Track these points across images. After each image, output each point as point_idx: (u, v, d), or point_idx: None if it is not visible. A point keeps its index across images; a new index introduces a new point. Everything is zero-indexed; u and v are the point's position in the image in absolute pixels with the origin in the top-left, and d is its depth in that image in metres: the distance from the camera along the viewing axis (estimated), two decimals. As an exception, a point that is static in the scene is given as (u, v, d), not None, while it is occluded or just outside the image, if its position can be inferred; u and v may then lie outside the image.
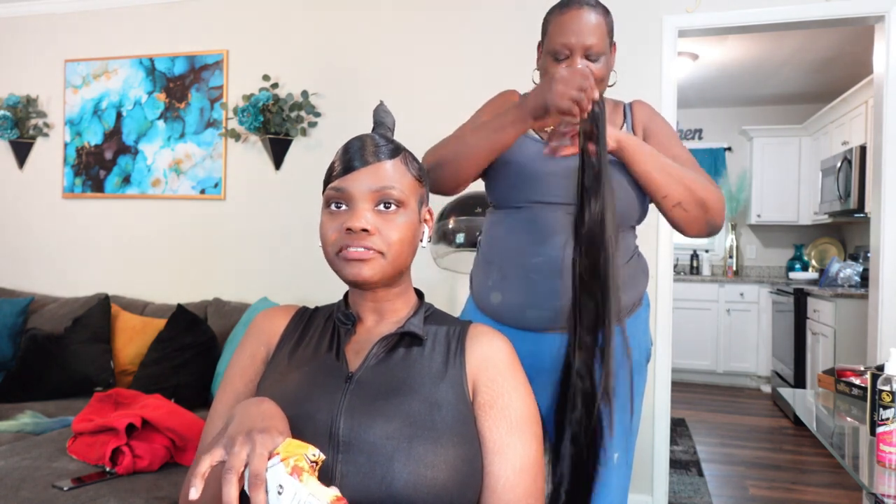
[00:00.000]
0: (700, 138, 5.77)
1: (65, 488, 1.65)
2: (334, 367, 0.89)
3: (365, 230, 0.86)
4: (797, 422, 3.96)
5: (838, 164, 4.16)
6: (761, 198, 5.29)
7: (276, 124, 2.90)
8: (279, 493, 0.65)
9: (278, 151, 2.99)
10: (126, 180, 3.23)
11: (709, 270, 5.60)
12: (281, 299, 2.86)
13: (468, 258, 2.32)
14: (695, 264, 5.61)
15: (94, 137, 3.29)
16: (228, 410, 0.93)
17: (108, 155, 3.27)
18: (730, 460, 3.34)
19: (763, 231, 5.62)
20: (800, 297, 4.13)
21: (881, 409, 1.29)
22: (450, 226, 2.22)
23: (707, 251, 5.71)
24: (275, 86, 2.97)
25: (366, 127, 2.65)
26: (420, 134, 2.72)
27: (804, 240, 5.49)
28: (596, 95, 1.07)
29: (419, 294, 1.01)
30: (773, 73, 4.63)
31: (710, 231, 1.29)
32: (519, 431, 0.86)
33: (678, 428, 3.81)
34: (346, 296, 1.00)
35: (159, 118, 3.18)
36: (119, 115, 3.25)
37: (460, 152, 1.27)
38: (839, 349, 3.53)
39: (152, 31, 3.22)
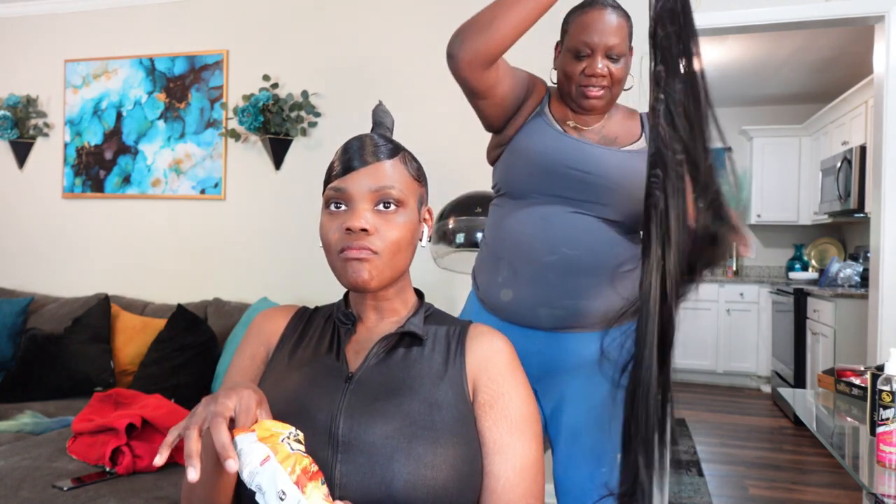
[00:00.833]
0: (700, 138, 5.77)
1: (65, 488, 1.65)
2: (334, 367, 0.89)
3: (364, 230, 0.86)
4: (797, 422, 3.96)
5: (838, 164, 4.16)
6: (761, 198, 5.29)
7: (276, 124, 2.91)
8: (281, 500, 0.63)
9: (278, 151, 2.99)
10: (126, 180, 3.24)
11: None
12: (281, 299, 2.86)
13: (468, 258, 2.31)
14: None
15: (94, 137, 3.29)
16: None
17: (108, 155, 3.27)
18: (730, 460, 3.34)
19: (763, 231, 5.62)
20: (800, 297, 4.13)
21: (881, 409, 1.29)
22: (450, 226, 2.22)
23: (707, 251, 5.71)
24: (275, 86, 2.97)
25: (366, 127, 2.65)
26: (420, 134, 2.73)
27: (804, 240, 5.49)
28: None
29: (419, 294, 1.01)
30: (773, 73, 4.63)
31: None
32: (519, 432, 0.86)
33: (678, 428, 3.81)
34: (345, 296, 1.00)
35: (159, 118, 3.18)
36: (119, 115, 3.25)
37: (499, 11, 1.16)
38: (839, 349, 3.53)
39: (152, 31, 3.22)
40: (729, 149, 5.70)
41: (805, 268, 5.33)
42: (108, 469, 1.77)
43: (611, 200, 1.28)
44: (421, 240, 0.96)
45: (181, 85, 3.15)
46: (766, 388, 4.97)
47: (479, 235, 2.13)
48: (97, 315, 2.84)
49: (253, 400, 0.70)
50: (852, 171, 3.91)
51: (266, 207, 3.05)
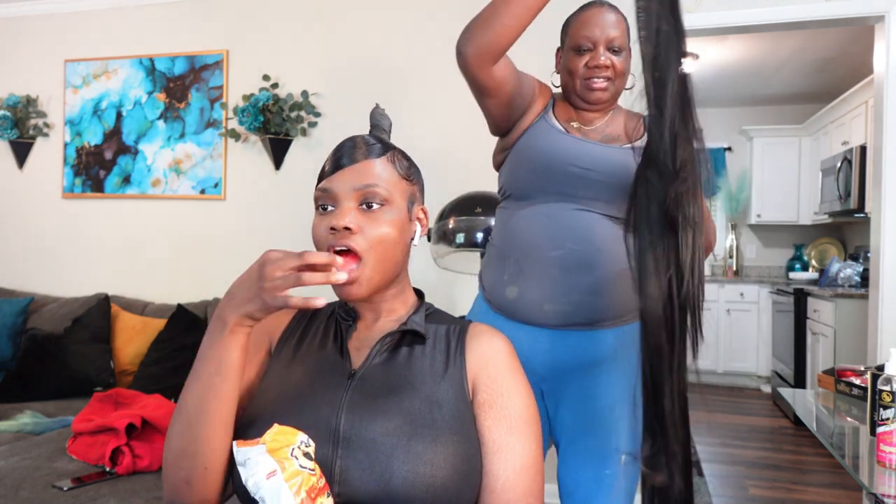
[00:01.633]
0: (700, 138, 5.76)
1: (65, 488, 1.65)
2: (337, 364, 0.90)
3: (347, 228, 0.86)
4: (797, 422, 3.96)
5: (838, 164, 4.16)
6: (761, 198, 5.29)
7: (276, 124, 2.91)
8: None
9: (278, 151, 2.99)
10: (126, 180, 3.23)
11: (709, 270, 5.60)
12: (281, 299, 2.86)
13: (468, 258, 2.31)
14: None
15: (94, 137, 3.29)
16: None
17: (108, 155, 3.27)
18: (730, 460, 3.34)
19: (763, 231, 5.62)
20: (800, 297, 4.13)
21: (881, 409, 1.29)
22: (450, 226, 2.22)
23: (707, 251, 5.71)
24: (275, 86, 2.97)
25: (366, 127, 2.65)
26: (421, 134, 2.73)
27: (804, 240, 5.49)
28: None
29: (419, 294, 1.01)
30: (773, 73, 4.63)
31: None
32: (519, 431, 0.86)
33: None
34: (346, 296, 1.00)
35: (159, 118, 3.18)
36: (119, 115, 3.25)
37: (501, 5, 1.21)
38: (839, 349, 3.53)
39: (152, 31, 3.22)
40: (729, 148, 5.70)
41: (805, 268, 5.33)
42: (108, 469, 1.77)
43: (613, 197, 1.29)
44: (413, 239, 0.96)
45: (181, 85, 3.15)
46: (766, 388, 4.97)
47: (479, 235, 2.13)
48: (97, 315, 2.84)
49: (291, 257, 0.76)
50: (852, 171, 3.91)
51: (266, 207, 3.05)
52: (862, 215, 3.94)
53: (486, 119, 1.40)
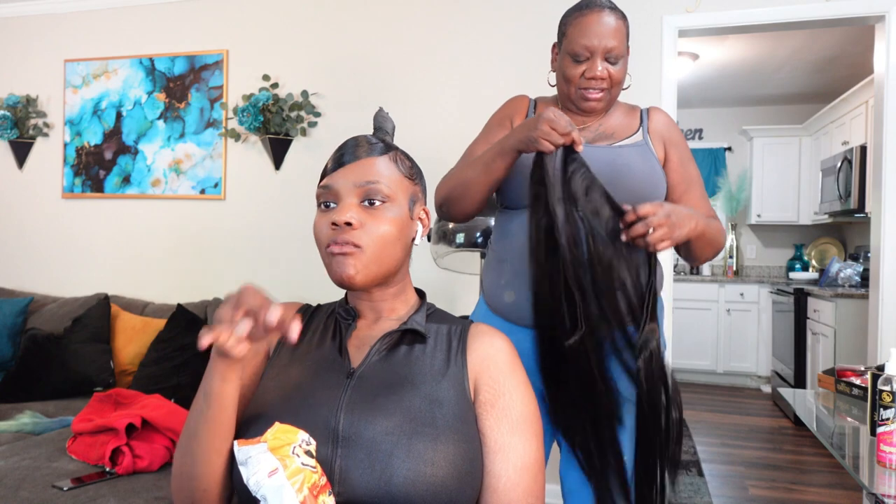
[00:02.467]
0: (700, 138, 5.77)
1: (65, 488, 1.65)
2: (336, 363, 0.90)
3: (349, 224, 0.86)
4: (797, 422, 3.96)
5: (838, 164, 4.16)
6: (761, 198, 5.29)
7: (276, 124, 2.90)
8: None
9: (278, 151, 2.99)
10: (126, 180, 3.23)
11: (709, 270, 5.60)
12: (281, 299, 2.84)
13: (468, 258, 2.31)
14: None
15: (93, 137, 3.29)
16: None
17: (108, 155, 3.27)
18: (730, 460, 3.34)
19: (763, 231, 5.62)
20: (800, 297, 4.13)
21: (881, 409, 1.29)
22: (450, 226, 2.22)
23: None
24: (275, 86, 2.97)
25: (366, 127, 2.65)
26: (420, 133, 2.73)
27: (804, 240, 5.49)
28: (577, 139, 1.14)
29: (421, 294, 1.01)
30: (773, 73, 4.63)
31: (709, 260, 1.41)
32: (520, 431, 0.86)
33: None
34: (347, 293, 1.00)
35: (159, 118, 3.18)
36: (119, 115, 3.25)
37: (461, 188, 1.33)
38: (839, 349, 3.53)
39: (152, 31, 3.22)
40: (729, 148, 5.70)
41: (805, 268, 5.33)
42: (108, 469, 1.77)
43: None
44: (415, 239, 0.96)
45: (181, 85, 3.15)
46: (766, 388, 4.97)
47: (479, 235, 2.13)
48: (97, 315, 2.84)
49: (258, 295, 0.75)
50: (852, 171, 3.91)
51: (266, 207, 3.05)
52: (862, 215, 3.94)
53: None
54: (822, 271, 4.61)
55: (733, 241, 5.60)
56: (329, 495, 0.66)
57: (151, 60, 3.20)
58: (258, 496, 0.65)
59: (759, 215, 5.31)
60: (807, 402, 1.98)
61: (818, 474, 3.17)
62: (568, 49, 1.33)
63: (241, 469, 0.67)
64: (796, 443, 3.67)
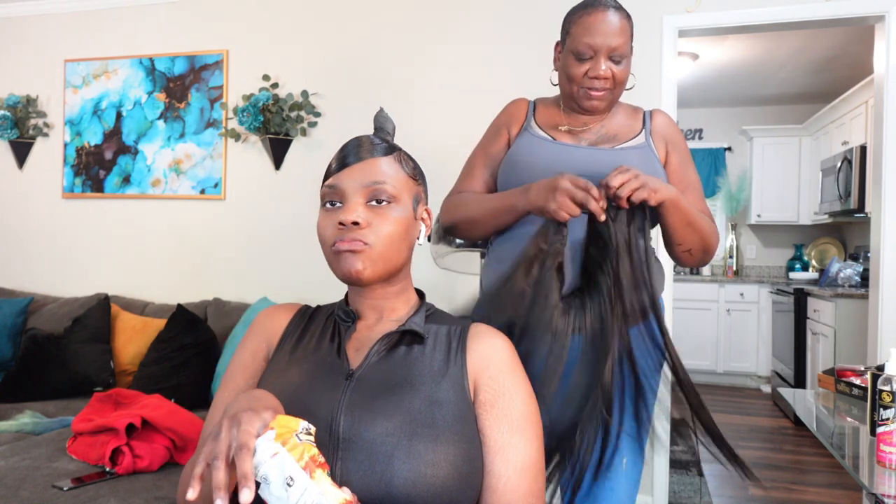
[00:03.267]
0: (700, 138, 5.77)
1: (65, 488, 1.65)
2: (335, 365, 0.89)
3: (356, 223, 0.87)
4: (797, 422, 3.96)
5: (838, 164, 4.16)
6: (761, 198, 5.29)
7: (276, 124, 2.90)
8: (289, 486, 0.64)
9: (278, 151, 2.99)
10: (126, 180, 3.23)
11: (709, 270, 5.60)
12: (281, 299, 2.86)
13: (468, 258, 2.31)
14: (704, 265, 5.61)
15: (94, 137, 3.29)
16: None
17: (108, 155, 3.27)
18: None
19: (763, 231, 5.62)
20: (800, 297, 4.13)
21: (881, 409, 1.29)
22: (450, 226, 2.22)
23: (708, 251, 5.71)
24: (275, 86, 2.97)
25: (366, 127, 2.65)
26: (420, 133, 2.73)
27: (804, 240, 5.49)
28: (595, 209, 1.14)
29: (420, 294, 1.01)
30: (773, 73, 4.63)
31: (702, 266, 1.42)
32: (520, 431, 0.86)
33: (678, 428, 3.81)
34: (346, 294, 1.00)
35: (159, 118, 3.18)
36: (119, 115, 3.25)
37: (468, 224, 1.38)
38: (839, 349, 3.53)
39: (152, 31, 3.22)
40: (729, 148, 5.70)
41: (805, 268, 5.33)
42: (108, 469, 1.77)
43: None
44: (418, 239, 0.96)
45: (181, 85, 3.15)
46: (766, 388, 4.97)
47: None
48: (97, 315, 2.84)
49: (271, 416, 0.71)
50: (852, 171, 3.91)
51: (266, 207, 3.05)
52: (862, 215, 3.94)
53: None
54: (822, 271, 4.61)
55: (733, 241, 5.60)
56: (329, 475, 0.67)
57: (151, 60, 3.20)
58: (258, 479, 0.65)
59: (759, 215, 5.31)
60: (807, 402, 1.98)
61: (818, 474, 3.17)
62: (572, 47, 1.32)
63: None
64: (796, 443, 3.67)
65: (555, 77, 1.42)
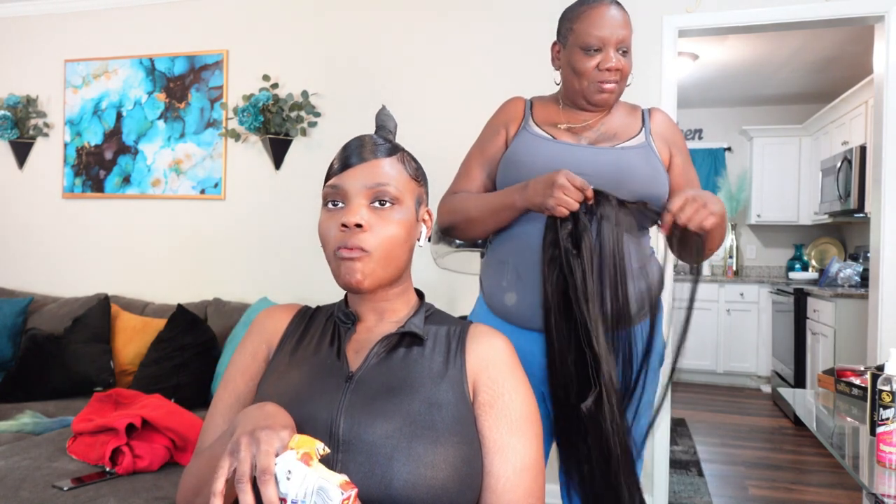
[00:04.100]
0: (700, 138, 5.77)
1: (65, 488, 1.65)
2: (335, 367, 0.89)
3: (359, 225, 0.86)
4: (797, 422, 3.96)
5: (838, 164, 4.16)
6: (761, 198, 5.29)
7: (276, 124, 2.90)
8: (287, 479, 0.66)
9: (278, 151, 2.99)
10: (126, 180, 3.23)
11: (709, 270, 5.60)
12: (281, 299, 2.86)
13: (468, 258, 2.31)
14: (695, 264, 5.60)
15: (94, 137, 3.29)
16: (228, 408, 0.93)
17: (108, 155, 3.27)
18: (730, 460, 3.34)
19: (763, 231, 5.62)
20: (800, 297, 4.13)
21: (881, 409, 1.29)
22: (450, 226, 2.22)
23: (707, 251, 5.71)
24: (275, 86, 2.97)
25: (366, 127, 2.65)
26: (421, 133, 2.73)
27: (804, 240, 5.49)
28: (591, 195, 1.19)
29: (420, 294, 1.01)
30: (774, 73, 4.63)
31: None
32: (519, 431, 0.86)
33: (678, 428, 3.81)
34: (346, 295, 1.00)
35: (159, 118, 3.18)
36: (119, 115, 3.25)
37: (465, 223, 1.39)
38: (839, 349, 3.53)
39: (152, 31, 3.22)
40: (729, 148, 5.70)
41: (805, 268, 5.33)
42: (108, 469, 1.77)
43: None
44: (419, 240, 0.96)
45: (181, 85, 3.15)
46: (766, 388, 4.97)
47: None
48: (97, 315, 2.84)
49: (288, 436, 0.71)
50: (852, 171, 3.91)
51: (266, 207, 3.05)
52: (862, 215, 3.94)
53: None
54: (822, 271, 4.61)
55: (733, 241, 5.60)
56: (336, 474, 0.68)
57: (151, 60, 3.20)
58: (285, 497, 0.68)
59: (759, 215, 5.31)
60: (807, 402, 1.98)
61: (818, 474, 3.17)
62: (579, 42, 1.31)
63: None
64: (796, 443, 3.67)
65: (558, 77, 1.42)
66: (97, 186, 3.28)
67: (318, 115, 2.96)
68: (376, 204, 0.89)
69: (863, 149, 3.82)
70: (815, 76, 4.70)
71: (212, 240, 3.12)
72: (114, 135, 3.26)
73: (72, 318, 2.87)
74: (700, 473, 3.10)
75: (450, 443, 0.81)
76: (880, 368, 1.43)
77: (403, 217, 0.90)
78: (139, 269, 3.22)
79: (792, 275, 5.02)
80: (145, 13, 3.23)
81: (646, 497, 2.56)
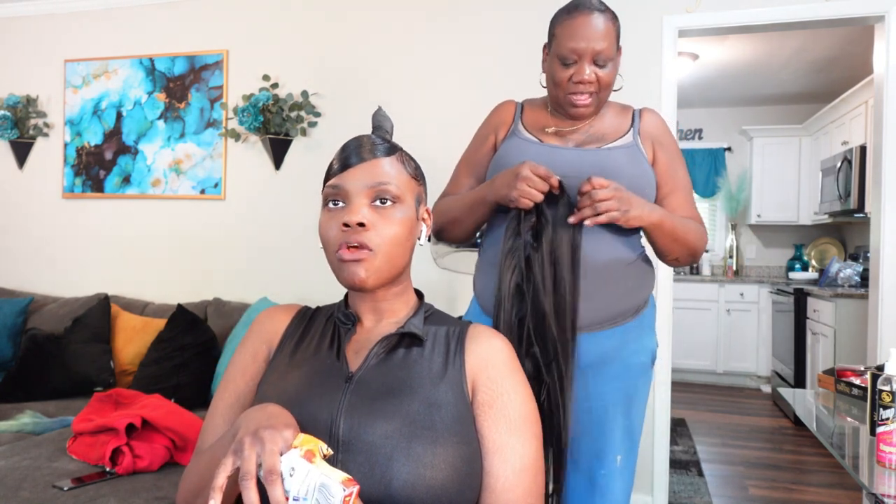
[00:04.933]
0: (700, 138, 5.77)
1: (65, 488, 1.65)
2: (335, 367, 0.89)
3: (361, 224, 0.86)
4: (797, 422, 3.96)
5: (838, 164, 4.16)
6: (761, 198, 5.29)
7: (276, 124, 2.91)
8: (290, 475, 0.66)
9: (278, 151, 2.99)
10: (126, 180, 3.24)
11: (709, 270, 5.60)
12: (281, 299, 2.86)
13: (468, 258, 2.31)
14: (695, 264, 5.61)
15: (94, 137, 3.29)
16: (229, 408, 0.93)
17: (108, 155, 3.27)
18: (730, 460, 3.34)
19: (763, 231, 5.62)
20: (800, 297, 4.13)
21: (881, 409, 1.29)
22: (450, 226, 2.22)
23: (707, 251, 5.71)
24: (275, 86, 2.97)
25: (366, 127, 2.65)
26: (419, 133, 2.73)
27: (804, 240, 5.49)
28: (555, 184, 1.22)
29: (419, 295, 1.01)
30: (774, 73, 4.63)
31: (689, 265, 1.46)
32: (518, 431, 0.86)
33: (678, 428, 3.81)
34: (346, 295, 1.00)
35: (159, 118, 3.18)
36: (119, 115, 3.25)
37: (451, 224, 1.41)
38: (839, 349, 3.53)
39: (152, 31, 3.22)
40: (729, 148, 5.70)
41: (805, 268, 5.33)
42: (108, 469, 1.77)
43: None
44: (419, 239, 0.96)
45: (181, 85, 3.15)
46: (766, 388, 4.97)
47: (479, 235, 2.13)
48: (97, 315, 2.84)
49: (292, 435, 0.72)
50: (852, 171, 3.91)
51: (266, 207, 3.05)
52: (862, 215, 3.94)
53: None
54: (822, 271, 4.61)
55: (733, 241, 5.60)
56: (338, 471, 0.69)
57: (151, 60, 3.20)
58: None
59: (758, 215, 5.31)
60: (807, 402, 1.98)
61: (818, 474, 3.17)
62: (556, 52, 1.30)
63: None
64: (796, 443, 3.67)
65: (544, 80, 1.42)
66: (97, 186, 3.28)
67: (318, 115, 2.96)
68: (377, 203, 0.89)
69: (863, 149, 3.82)
70: (815, 76, 4.70)
71: (212, 240, 3.12)
72: (114, 135, 3.26)
73: (72, 318, 2.87)
74: (700, 473, 3.10)
75: (449, 443, 0.81)
76: (880, 368, 1.43)
77: (404, 215, 0.90)
78: (139, 269, 3.22)
79: (792, 275, 5.02)
80: (145, 13, 3.23)
81: (646, 497, 2.56)
